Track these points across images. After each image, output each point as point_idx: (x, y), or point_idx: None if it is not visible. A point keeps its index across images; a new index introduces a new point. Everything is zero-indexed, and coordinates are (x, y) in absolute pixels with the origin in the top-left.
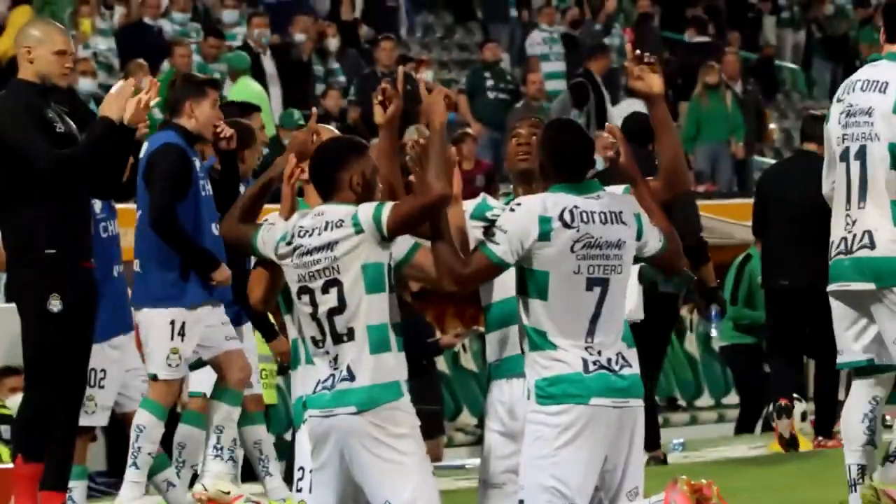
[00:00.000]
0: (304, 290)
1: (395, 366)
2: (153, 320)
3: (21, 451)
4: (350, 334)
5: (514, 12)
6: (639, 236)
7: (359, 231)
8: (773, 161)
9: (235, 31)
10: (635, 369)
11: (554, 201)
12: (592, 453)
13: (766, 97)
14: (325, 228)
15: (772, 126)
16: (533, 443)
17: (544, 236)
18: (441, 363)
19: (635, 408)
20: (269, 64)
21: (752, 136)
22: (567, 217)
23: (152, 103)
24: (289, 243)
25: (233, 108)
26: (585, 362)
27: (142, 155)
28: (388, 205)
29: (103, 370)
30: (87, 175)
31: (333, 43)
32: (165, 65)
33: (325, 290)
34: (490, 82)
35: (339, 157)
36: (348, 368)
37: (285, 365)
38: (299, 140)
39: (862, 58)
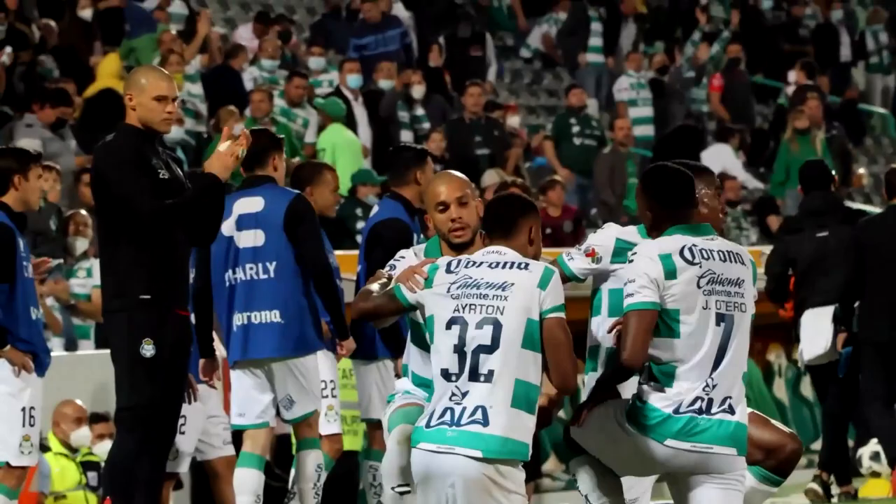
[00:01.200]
0: (454, 321)
1: (530, 427)
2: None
3: (110, 494)
4: (489, 377)
5: (601, 58)
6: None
7: (542, 286)
8: (863, 206)
9: (321, 78)
10: None
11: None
12: None
13: (855, 142)
14: (504, 267)
15: (861, 171)
16: None
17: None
18: None
19: None
20: (360, 111)
21: (839, 180)
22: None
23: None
24: (450, 271)
25: None
26: None
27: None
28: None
29: (184, 416)
30: (185, 226)
31: (419, 90)
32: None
33: (479, 325)
34: (576, 128)
35: (524, 206)
36: (483, 411)
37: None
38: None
39: None
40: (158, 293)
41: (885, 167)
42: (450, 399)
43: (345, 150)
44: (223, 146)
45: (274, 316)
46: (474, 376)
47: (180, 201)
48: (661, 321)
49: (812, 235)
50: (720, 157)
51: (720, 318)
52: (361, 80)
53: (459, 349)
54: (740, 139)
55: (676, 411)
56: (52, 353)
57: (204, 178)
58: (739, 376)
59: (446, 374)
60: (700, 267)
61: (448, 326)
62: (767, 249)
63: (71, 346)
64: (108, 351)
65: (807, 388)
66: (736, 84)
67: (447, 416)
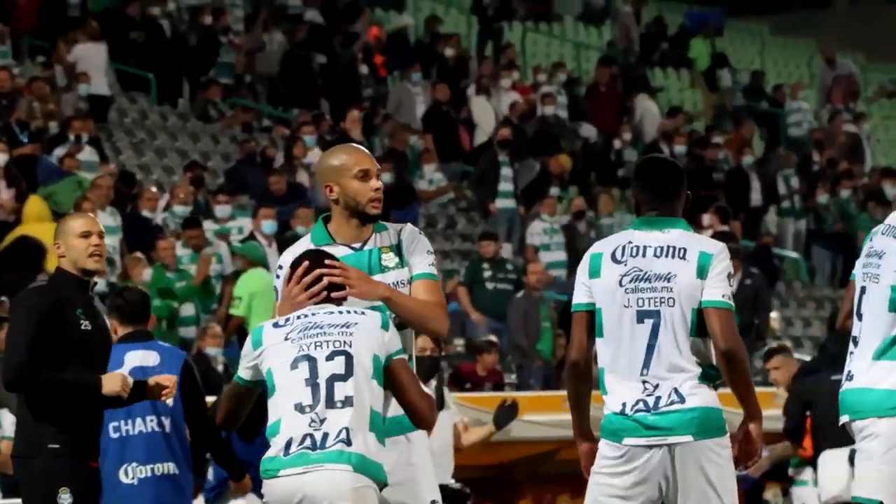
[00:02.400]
0: (300, 360)
1: (381, 456)
2: None
3: None
4: (347, 402)
5: (512, 203)
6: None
7: (385, 328)
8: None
9: (229, 225)
10: None
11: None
12: None
13: (768, 286)
14: (343, 313)
15: (773, 315)
16: None
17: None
18: None
19: None
20: (274, 258)
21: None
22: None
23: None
24: (279, 326)
25: None
26: None
27: None
28: None
29: None
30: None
31: None
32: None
33: (330, 357)
34: (488, 273)
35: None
36: (347, 432)
37: None
38: None
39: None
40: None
41: (796, 311)
42: (309, 426)
43: (262, 297)
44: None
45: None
46: (331, 404)
47: (49, 377)
48: (596, 321)
49: (827, 378)
50: None
51: (643, 315)
52: (276, 227)
53: (312, 382)
54: None
55: (622, 412)
56: None
57: (85, 378)
58: (686, 366)
59: (300, 407)
60: (625, 265)
61: (294, 366)
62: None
63: None
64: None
65: None
66: None
67: (308, 442)
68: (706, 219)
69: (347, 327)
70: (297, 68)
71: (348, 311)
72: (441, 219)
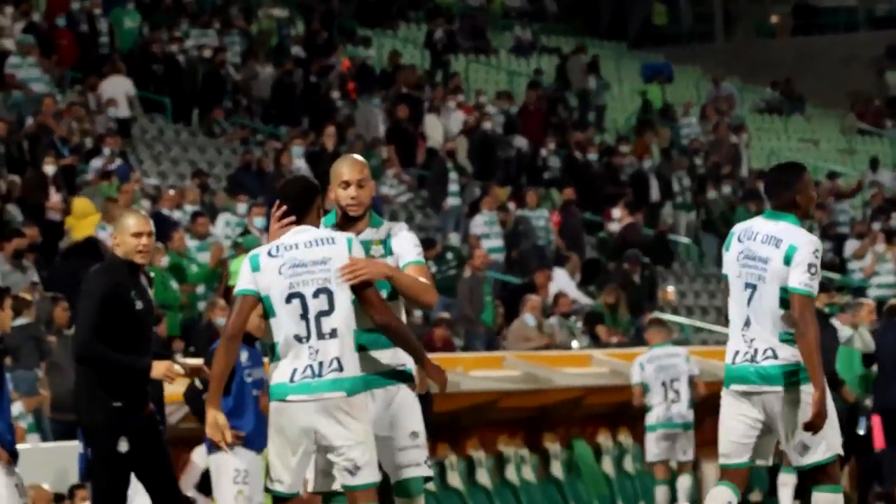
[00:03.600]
0: (293, 296)
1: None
2: None
3: None
4: (334, 334)
5: (459, 201)
6: None
7: (350, 253)
8: (671, 316)
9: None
10: None
11: None
12: None
13: (665, 266)
14: (315, 244)
15: (670, 289)
16: None
17: None
18: None
19: None
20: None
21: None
22: None
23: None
24: (272, 255)
25: None
26: None
27: None
28: None
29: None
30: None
31: None
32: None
33: (315, 295)
34: (433, 269)
35: (309, 187)
36: (338, 361)
37: None
38: None
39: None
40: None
41: (689, 286)
42: (308, 357)
43: None
44: (179, 367)
45: None
46: (321, 336)
47: (108, 355)
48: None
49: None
50: (558, 279)
51: (747, 286)
52: (266, 222)
53: (305, 317)
54: (574, 264)
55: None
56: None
57: (139, 363)
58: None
59: (298, 338)
60: (743, 244)
61: (288, 301)
62: (597, 353)
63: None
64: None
65: (628, 464)
66: (570, 220)
67: (308, 372)
68: (616, 212)
69: (325, 263)
70: (284, 93)
71: (322, 242)
72: (402, 214)
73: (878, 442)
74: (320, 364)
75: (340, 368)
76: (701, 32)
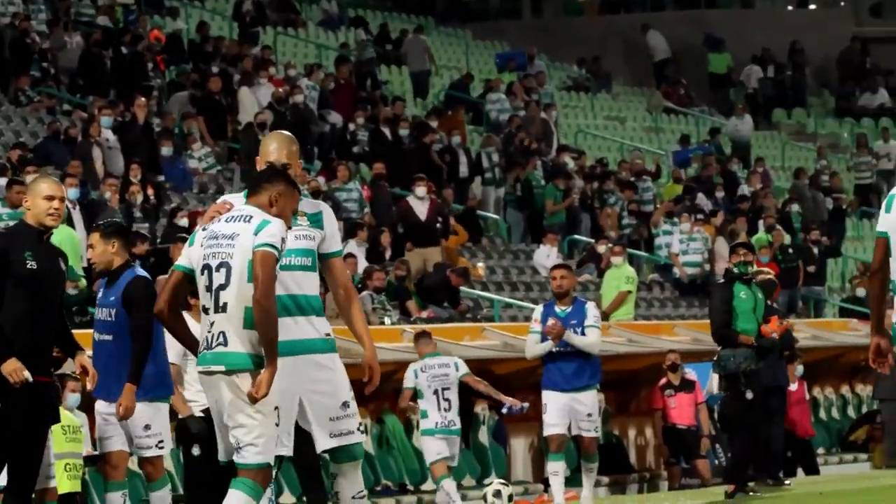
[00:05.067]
0: (205, 268)
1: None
2: None
3: None
4: (225, 308)
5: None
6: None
7: (256, 233)
8: (480, 292)
9: None
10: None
11: None
12: None
13: (474, 241)
14: (235, 221)
15: (480, 264)
16: None
17: None
18: None
19: None
20: (77, 216)
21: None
22: None
23: None
24: (204, 230)
25: None
26: None
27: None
28: None
29: None
30: None
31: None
32: None
33: (217, 269)
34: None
35: (273, 175)
36: (224, 335)
37: None
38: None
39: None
40: None
41: (497, 261)
42: (208, 329)
43: (65, 244)
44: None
45: None
46: (217, 309)
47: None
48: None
49: None
50: (359, 255)
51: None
52: (79, 193)
53: (210, 289)
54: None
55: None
56: None
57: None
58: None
59: (205, 310)
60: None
61: (202, 272)
62: (409, 328)
63: None
64: None
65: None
66: (379, 195)
67: (205, 344)
68: (419, 190)
69: (232, 238)
70: (92, 63)
71: (239, 219)
72: (211, 186)
73: None
74: (213, 337)
75: (225, 343)
76: (508, 9)
